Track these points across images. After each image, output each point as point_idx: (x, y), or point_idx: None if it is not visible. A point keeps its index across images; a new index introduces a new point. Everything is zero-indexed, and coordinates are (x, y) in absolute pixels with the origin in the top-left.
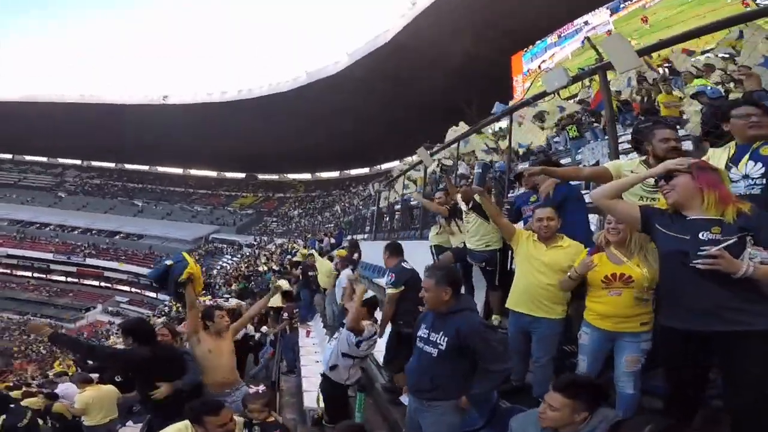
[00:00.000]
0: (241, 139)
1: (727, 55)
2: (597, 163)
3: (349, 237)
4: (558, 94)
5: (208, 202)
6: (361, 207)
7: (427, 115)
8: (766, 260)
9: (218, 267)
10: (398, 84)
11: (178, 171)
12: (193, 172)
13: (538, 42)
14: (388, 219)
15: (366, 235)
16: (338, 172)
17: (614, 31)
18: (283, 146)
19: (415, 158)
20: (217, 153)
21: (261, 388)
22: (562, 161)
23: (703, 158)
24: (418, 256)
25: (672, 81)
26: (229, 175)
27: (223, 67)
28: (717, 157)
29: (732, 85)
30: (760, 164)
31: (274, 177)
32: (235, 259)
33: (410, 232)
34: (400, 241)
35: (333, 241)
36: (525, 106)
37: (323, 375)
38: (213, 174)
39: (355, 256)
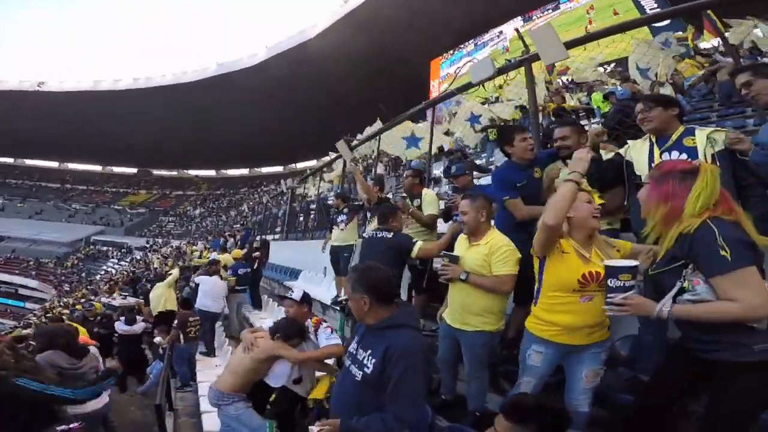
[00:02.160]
0: (135, 131)
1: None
2: None
3: (258, 237)
4: (483, 86)
5: (90, 199)
6: (271, 205)
7: (345, 114)
8: (703, 297)
9: (102, 272)
10: (318, 82)
11: (53, 165)
12: (72, 166)
13: (456, 51)
14: (302, 218)
15: (277, 236)
16: (248, 169)
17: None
18: (185, 141)
19: (333, 156)
20: (104, 146)
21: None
22: (477, 162)
23: (622, 150)
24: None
25: (571, 90)
26: (119, 170)
27: (130, 55)
28: (638, 148)
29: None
30: (685, 155)
31: (173, 173)
32: (123, 263)
33: (326, 232)
34: (314, 241)
35: (238, 241)
36: (449, 98)
37: (280, 390)
38: (98, 169)
39: (255, 254)
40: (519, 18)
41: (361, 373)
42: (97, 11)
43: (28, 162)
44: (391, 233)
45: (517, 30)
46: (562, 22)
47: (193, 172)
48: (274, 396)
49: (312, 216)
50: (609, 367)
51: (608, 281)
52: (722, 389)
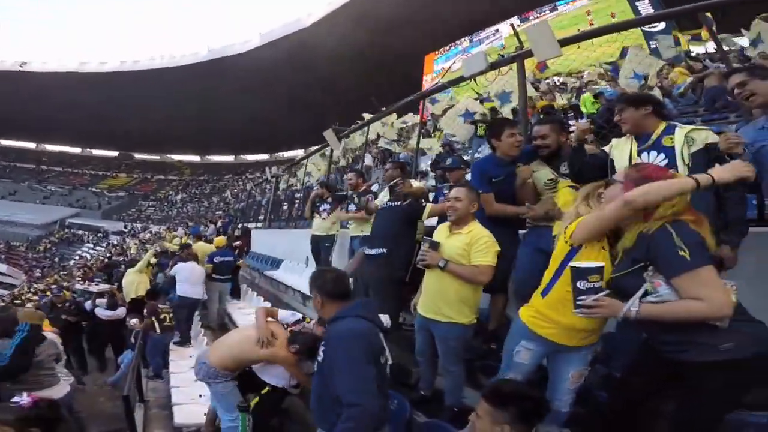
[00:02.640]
0: (119, 115)
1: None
2: None
3: (240, 225)
4: (476, 81)
5: (67, 181)
6: (256, 193)
7: (336, 105)
8: (666, 297)
9: (76, 257)
10: (310, 71)
11: (30, 145)
12: (50, 147)
13: (452, 46)
14: (286, 207)
15: (260, 224)
16: (233, 156)
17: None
18: (171, 126)
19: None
20: (85, 128)
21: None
22: (465, 157)
23: (607, 147)
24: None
25: (562, 90)
26: (99, 153)
27: (118, 38)
28: (620, 147)
29: None
30: (662, 155)
31: (155, 157)
32: (98, 248)
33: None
34: (297, 230)
35: (220, 228)
36: (439, 91)
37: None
38: (76, 151)
39: (236, 243)
40: (516, 18)
41: (315, 364)
42: None
43: (4, 142)
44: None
45: (512, 25)
46: (558, 24)
47: (176, 157)
48: (257, 399)
49: (296, 205)
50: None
51: (577, 283)
52: (691, 390)
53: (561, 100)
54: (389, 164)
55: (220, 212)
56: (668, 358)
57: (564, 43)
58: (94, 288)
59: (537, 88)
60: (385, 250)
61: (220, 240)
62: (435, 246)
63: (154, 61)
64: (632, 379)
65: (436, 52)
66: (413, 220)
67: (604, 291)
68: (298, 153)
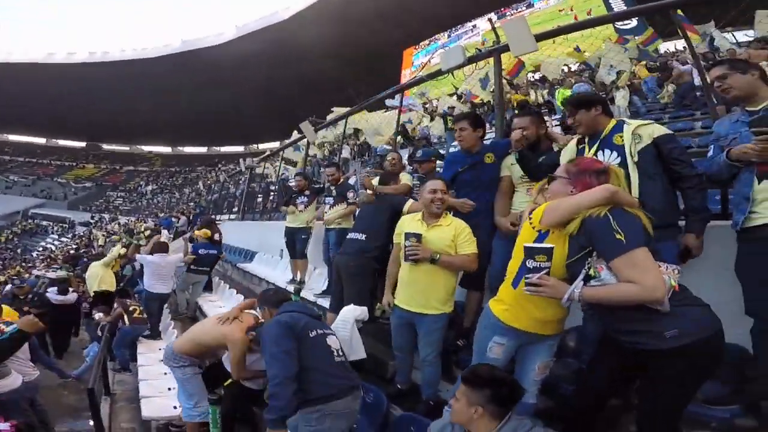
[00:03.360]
0: (88, 105)
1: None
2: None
3: (213, 217)
4: (452, 74)
5: (31, 171)
6: (230, 185)
7: (313, 98)
8: (607, 281)
9: (39, 248)
10: (286, 65)
11: None
12: (13, 137)
13: (432, 41)
14: (261, 199)
15: (234, 216)
16: (206, 147)
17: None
18: (142, 116)
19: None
20: (52, 119)
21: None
22: (441, 151)
23: (565, 147)
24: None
25: (538, 86)
26: (65, 143)
27: (90, 29)
28: (569, 151)
29: None
30: (615, 153)
31: (125, 148)
32: (64, 239)
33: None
34: (273, 222)
35: (192, 220)
36: (416, 85)
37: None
38: (41, 141)
39: (216, 236)
40: (493, 14)
41: None
42: None
43: None
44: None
45: (490, 20)
46: (534, 21)
47: (147, 148)
48: (223, 393)
49: (271, 197)
50: (556, 358)
51: (526, 262)
52: (650, 380)
53: (535, 96)
54: (328, 166)
55: (192, 204)
56: (627, 348)
57: (540, 38)
58: (51, 274)
59: (511, 83)
60: (364, 237)
61: (206, 232)
62: (420, 239)
63: (125, 52)
64: (596, 370)
65: (416, 47)
66: (397, 213)
67: (546, 271)
68: (273, 145)
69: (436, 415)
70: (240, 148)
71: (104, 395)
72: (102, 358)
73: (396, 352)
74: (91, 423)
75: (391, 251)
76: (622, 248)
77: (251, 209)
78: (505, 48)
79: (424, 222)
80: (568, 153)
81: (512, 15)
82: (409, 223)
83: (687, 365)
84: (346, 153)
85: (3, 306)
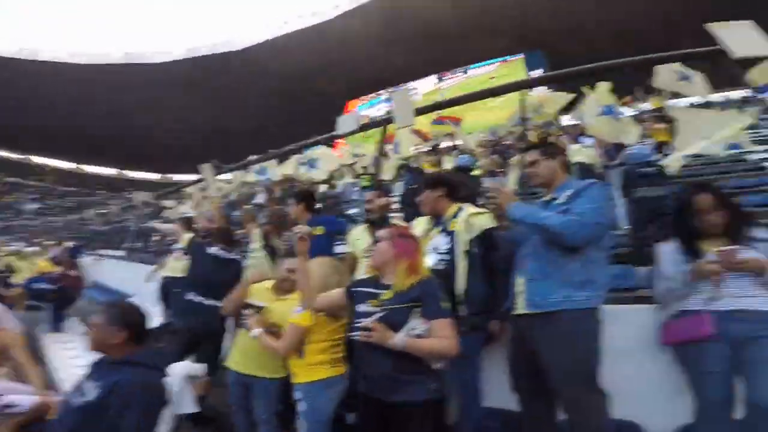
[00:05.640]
0: None
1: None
2: None
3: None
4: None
5: None
6: (126, 218)
7: (248, 134)
8: (424, 334)
9: None
10: (225, 97)
11: None
12: None
13: (375, 96)
14: (158, 238)
15: (121, 252)
16: (117, 170)
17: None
18: (42, 125)
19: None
20: None
21: None
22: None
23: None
24: None
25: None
26: None
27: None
28: (419, 226)
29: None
30: (448, 238)
31: (12, 156)
32: None
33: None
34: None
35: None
36: (340, 137)
37: None
38: None
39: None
40: (434, 76)
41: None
42: None
43: None
44: None
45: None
46: (467, 87)
47: (40, 160)
48: None
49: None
50: None
51: (357, 306)
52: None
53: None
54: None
55: (76, 233)
56: (381, 402)
57: (421, 111)
58: None
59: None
60: None
61: (46, 264)
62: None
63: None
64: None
65: (359, 99)
66: None
67: (376, 316)
68: (191, 177)
69: None
70: (156, 176)
71: None
72: None
73: (234, 410)
74: None
75: None
76: (443, 314)
77: (145, 248)
78: (390, 120)
79: (273, 292)
80: (417, 227)
81: (451, 78)
82: (257, 290)
83: (427, 421)
84: (261, 199)
85: None
